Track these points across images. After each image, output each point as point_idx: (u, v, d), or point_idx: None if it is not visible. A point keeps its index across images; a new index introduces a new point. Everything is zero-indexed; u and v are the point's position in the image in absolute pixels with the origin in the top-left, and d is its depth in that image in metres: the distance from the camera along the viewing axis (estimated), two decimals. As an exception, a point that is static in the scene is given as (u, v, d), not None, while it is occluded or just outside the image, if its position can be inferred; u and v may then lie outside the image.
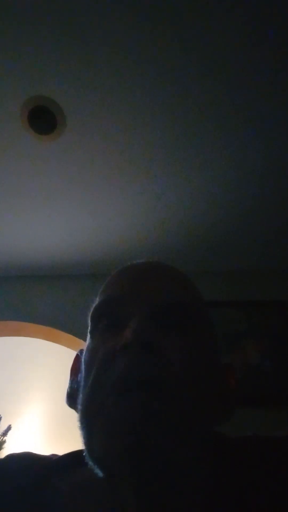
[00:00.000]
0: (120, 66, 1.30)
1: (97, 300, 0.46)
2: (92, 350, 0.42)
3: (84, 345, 0.46)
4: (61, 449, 0.46)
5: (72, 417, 0.43)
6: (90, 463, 0.35)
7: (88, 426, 0.36)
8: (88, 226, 1.89)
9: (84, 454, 0.36)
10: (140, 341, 0.36)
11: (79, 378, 0.44)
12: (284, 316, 1.89)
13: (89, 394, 0.38)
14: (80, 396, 0.40)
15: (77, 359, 0.49)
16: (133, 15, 1.18)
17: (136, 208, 1.79)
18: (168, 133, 1.49)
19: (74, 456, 0.44)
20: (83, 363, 0.43)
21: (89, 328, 0.46)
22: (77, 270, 2.11)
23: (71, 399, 0.44)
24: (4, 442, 2.58)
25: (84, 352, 0.44)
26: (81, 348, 0.48)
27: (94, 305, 0.45)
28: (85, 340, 0.47)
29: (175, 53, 1.27)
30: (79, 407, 0.39)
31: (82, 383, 0.41)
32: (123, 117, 1.44)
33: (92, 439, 0.35)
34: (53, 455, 0.49)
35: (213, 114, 1.43)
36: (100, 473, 0.34)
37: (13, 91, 1.37)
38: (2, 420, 2.63)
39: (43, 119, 1.43)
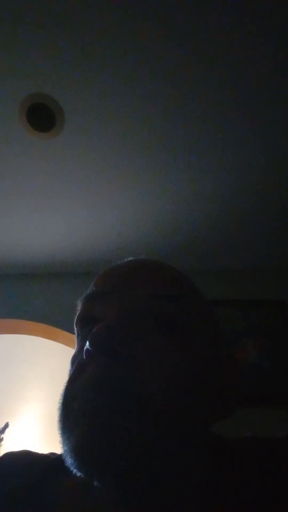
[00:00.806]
0: (119, 63, 1.29)
1: (79, 303, 0.45)
2: (73, 356, 0.42)
3: None
4: (59, 447, 0.46)
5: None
6: (68, 464, 0.35)
7: (60, 432, 0.36)
8: (87, 224, 1.88)
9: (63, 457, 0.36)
10: (103, 346, 0.35)
11: None
12: (283, 315, 1.90)
13: (61, 401, 0.38)
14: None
15: None
16: (133, 13, 1.18)
17: (135, 206, 1.79)
18: (168, 131, 1.49)
19: None
20: None
21: (75, 332, 0.45)
22: (75, 268, 2.10)
23: None
24: (1, 439, 2.58)
25: None
26: None
27: (77, 308, 0.45)
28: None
29: (175, 52, 1.26)
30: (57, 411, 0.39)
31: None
32: (122, 115, 1.44)
33: (63, 445, 0.35)
34: (51, 453, 0.48)
35: (213, 114, 1.43)
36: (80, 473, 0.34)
37: (11, 89, 1.36)
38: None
39: (42, 116, 1.43)
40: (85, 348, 0.36)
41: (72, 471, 0.34)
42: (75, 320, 0.45)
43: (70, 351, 1.99)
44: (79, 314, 0.44)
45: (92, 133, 1.50)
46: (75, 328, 0.45)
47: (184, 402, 0.36)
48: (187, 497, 0.37)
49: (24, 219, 1.87)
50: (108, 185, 1.69)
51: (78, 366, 0.38)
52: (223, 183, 1.68)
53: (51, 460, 0.46)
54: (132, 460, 0.32)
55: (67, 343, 2.03)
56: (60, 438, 0.36)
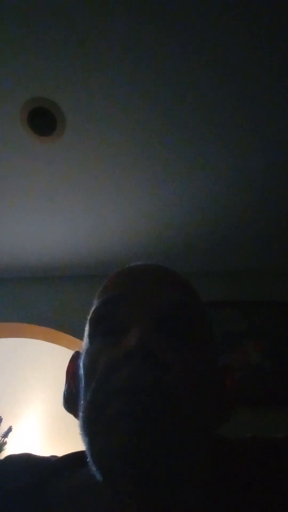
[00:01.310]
0: (120, 67, 1.30)
1: (95, 303, 0.45)
2: (92, 355, 0.41)
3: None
4: (62, 450, 0.46)
5: (72, 418, 0.43)
6: (93, 468, 0.35)
7: (90, 433, 0.36)
8: (88, 227, 1.89)
9: (87, 459, 0.36)
10: (143, 350, 0.36)
11: (77, 383, 0.43)
12: (284, 316, 1.89)
13: (91, 401, 0.37)
14: (81, 402, 0.39)
15: (73, 361, 0.48)
16: (133, 17, 1.19)
17: (136, 209, 1.79)
18: (168, 133, 1.49)
19: (73, 457, 0.44)
20: (82, 368, 0.42)
21: (87, 331, 0.45)
22: (76, 271, 2.11)
23: (68, 403, 0.44)
24: (5, 443, 2.57)
25: (82, 356, 0.44)
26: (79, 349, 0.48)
27: (92, 308, 0.45)
28: (85, 341, 0.46)
29: (175, 55, 1.27)
30: (81, 414, 0.39)
31: (82, 389, 0.41)
32: (122, 118, 1.44)
33: (94, 446, 0.35)
34: (53, 456, 0.49)
35: (213, 115, 1.43)
36: (101, 478, 0.34)
37: (13, 93, 1.37)
38: (2, 421, 2.63)
39: (43, 120, 1.44)
40: (124, 350, 0.36)
41: (72, 474, 0.34)
42: (90, 318, 0.44)
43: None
44: (98, 314, 0.43)
45: (93, 137, 1.50)
46: (88, 327, 0.45)
47: (203, 407, 0.37)
48: (190, 498, 0.37)
49: (26, 223, 1.87)
50: (110, 188, 1.70)
51: (111, 365, 0.37)
52: (224, 184, 1.69)
53: (52, 462, 0.46)
54: (165, 466, 0.32)
55: (70, 346, 2.03)
56: (87, 439, 0.36)
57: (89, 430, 0.36)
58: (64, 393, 0.46)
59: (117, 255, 1.97)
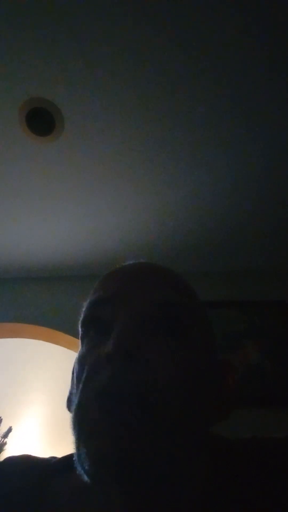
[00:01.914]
0: (119, 68, 1.30)
1: (84, 305, 0.45)
2: (80, 358, 0.41)
3: None
4: (62, 451, 0.46)
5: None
6: (79, 469, 0.35)
7: (76, 435, 0.36)
8: (87, 227, 1.89)
9: (74, 459, 0.36)
10: (122, 351, 0.35)
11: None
12: (284, 316, 1.89)
13: (77, 404, 0.38)
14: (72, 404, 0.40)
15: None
16: (133, 17, 1.18)
17: (135, 209, 1.79)
18: (168, 133, 1.49)
19: (73, 458, 0.44)
20: (74, 371, 0.43)
21: (79, 333, 0.45)
22: (76, 271, 2.11)
23: (69, 403, 0.44)
24: (5, 444, 2.57)
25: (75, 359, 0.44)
26: None
27: (82, 310, 0.45)
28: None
29: (175, 55, 1.27)
30: (70, 414, 0.39)
31: (73, 391, 0.41)
32: (121, 118, 1.44)
33: (79, 448, 0.35)
34: (52, 457, 0.49)
35: (213, 115, 1.43)
36: (87, 479, 0.34)
37: (11, 93, 1.37)
38: (2, 422, 2.63)
39: (41, 120, 1.43)
40: (106, 351, 0.36)
41: (71, 475, 0.34)
42: (80, 321, 0.45)
43: (72, 354, 2.00)
44: (86, 316, 0.44)
45: (91, 137, 1.50)
46: (80, 329, 0.45)
47: (193, 405, 0.37)
48: (189, 498, 0.37)
49: (24, 223, 1.87)
50: (108, 188, 1.70)
51: (93, 367, 0.38)
52: (224, 184, 1.68)
53: (51, 463, 0.46)
54: (149, 468, 0.32)
55: (68, 346, 2.03)
56: (75, 437, 0.36)
57: (75, 433, 0.36)
58: (68, 393, 0.46)
59: (116, 255, 1.97)
